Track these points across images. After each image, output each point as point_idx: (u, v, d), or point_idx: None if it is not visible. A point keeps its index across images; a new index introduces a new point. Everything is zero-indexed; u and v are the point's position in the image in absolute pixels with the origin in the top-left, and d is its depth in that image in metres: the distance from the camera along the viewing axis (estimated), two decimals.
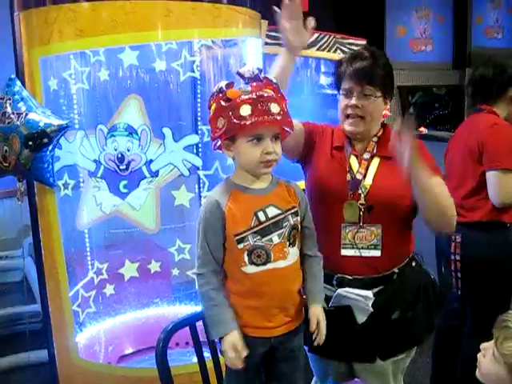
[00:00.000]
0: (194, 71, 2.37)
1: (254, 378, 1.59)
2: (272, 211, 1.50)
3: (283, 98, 1.49)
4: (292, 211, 1.53)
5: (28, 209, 2.30)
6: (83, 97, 2.35)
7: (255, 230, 1.48)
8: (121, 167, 2.29)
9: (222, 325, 1.50)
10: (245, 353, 1.49)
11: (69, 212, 2.35)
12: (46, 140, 2.03)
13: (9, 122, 2.07)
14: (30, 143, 2.02)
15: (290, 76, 1.74)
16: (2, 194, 3.65)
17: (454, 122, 5.08)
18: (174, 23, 2.09)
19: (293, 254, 1.53)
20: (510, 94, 2.48)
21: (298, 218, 1.55)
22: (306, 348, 1.75)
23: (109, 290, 2.60)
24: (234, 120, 1.42)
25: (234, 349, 1.48)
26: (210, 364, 1.76)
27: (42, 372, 2.83)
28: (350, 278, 1.73)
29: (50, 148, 2.08)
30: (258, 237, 1.48)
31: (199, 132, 2.46)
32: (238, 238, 1.48)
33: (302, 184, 1.75)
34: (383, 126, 1.81)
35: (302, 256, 1.60)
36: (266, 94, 1.44)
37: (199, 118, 2.58)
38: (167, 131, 2.29)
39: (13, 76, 2.16)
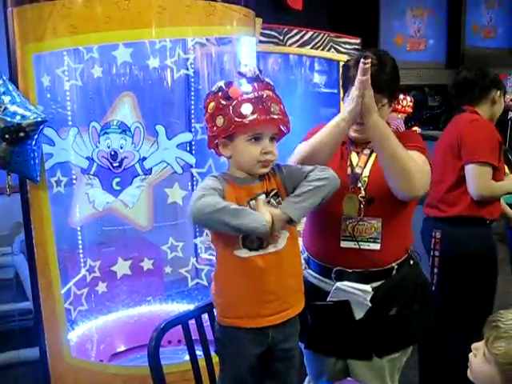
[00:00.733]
0: (187, 69, 2.37)
1: (248, 378, 1.58)
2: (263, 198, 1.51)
3: (281, 100, 1.52)
4: (272, 193, 1.53)
5: (20, 205, 2.29)
6: (76, 94, 2.34)
7: None
8: (114, 164, 2.28)
9: (249, 212, 1.44)
10: None
11: (61, 209, 2.35)
12: (22, 134, 2.00)
13: None
14: (7, 136, 1.99)
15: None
16: None
17: (446, 122, 5.09)
18: (168, 21, 2.09)
19: (283, 237, 1.54)
20: (492, 97, 2.56)
21: (280, 199, 1.53)
22: (301, 345, 1.75)
23: (101, 287, 2.58)
24: (235, 118, 1.44)
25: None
26: (202, 362, 1.76)
27: (34, 370, 2.82)
28: (349, 271, 1.73)
29: (34, 143, 2.05)
30: None
31: (192, 130, 2.47)
32: None
33: None
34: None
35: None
36: (266, 94, 1.47)
37: (193, 116, 2.59)
38: (160, 129, 2.28)
39: None
